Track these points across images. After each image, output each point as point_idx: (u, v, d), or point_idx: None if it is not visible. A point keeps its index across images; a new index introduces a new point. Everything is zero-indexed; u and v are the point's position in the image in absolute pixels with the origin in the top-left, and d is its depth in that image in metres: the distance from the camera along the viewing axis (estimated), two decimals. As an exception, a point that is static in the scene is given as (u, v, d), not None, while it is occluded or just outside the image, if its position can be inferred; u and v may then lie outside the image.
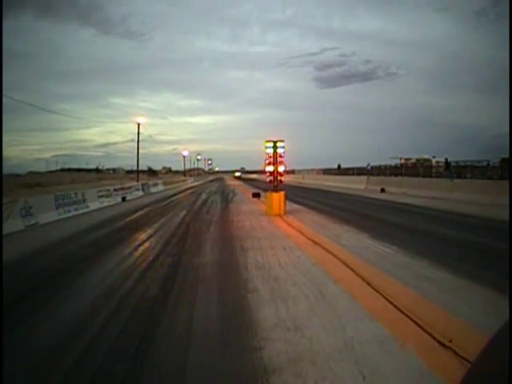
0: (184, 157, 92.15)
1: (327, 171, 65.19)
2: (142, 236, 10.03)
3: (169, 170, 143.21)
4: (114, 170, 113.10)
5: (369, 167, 63.92)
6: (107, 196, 20.67)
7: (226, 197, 25.03)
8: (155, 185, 35.62)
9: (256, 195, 20.91)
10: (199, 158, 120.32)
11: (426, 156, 63.06)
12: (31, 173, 65.37)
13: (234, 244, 8.60)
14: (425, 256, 7.27)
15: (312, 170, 68.84)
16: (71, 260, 7.64)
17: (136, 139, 43.06)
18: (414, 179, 29.20)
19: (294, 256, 7.37)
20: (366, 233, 9.94)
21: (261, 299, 5.01)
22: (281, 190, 14.11)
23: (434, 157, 59.45)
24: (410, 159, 64.19)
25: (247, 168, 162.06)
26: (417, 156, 65.81)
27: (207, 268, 6.57)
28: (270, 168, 14.20)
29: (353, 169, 58.87)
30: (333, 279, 5.87)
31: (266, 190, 27.33)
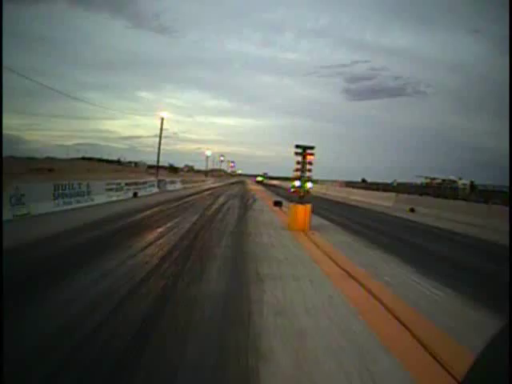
0: (207, 157, 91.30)
1: (350, 184, 63.70)
2: (140, 244, 8.34)
3: (191, 169, 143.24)
4: (135, 163, 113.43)
5: (395, 184, 61.81)
6: (117, 190, 19.15)
7: (245, 203, 23.24)
8: (172, 182, 34.12)
9: (277, 204, 19.18)
10: (222, 159, 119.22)
11: (451, 177, 60.37)
12: (48, 158, 65.00)
13: (248, 268, 6.79)
14: (498, 310, 5.37)
15: (335, 182, 67.30)
16: (38, 270, 6.00)
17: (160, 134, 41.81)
18: (445, 201, 27.19)
19: (324, 295, 5.54)
20: (408, 264, 8.12)
21: (278, 376, 3.24)
22: (307, 202, 12.28)
23: (460, 178, 56.79)
24: (435, 179, 61.92)
25: (270, 173, 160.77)
26: (443, 176, 63.21)
27: (207, 305, 4.78)
28: (297, 176, 12.40)
29: (377, 184, 57.14)
30: (383, 344, 4.05)
31: (288, 199, 25.60)
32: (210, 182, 62.90)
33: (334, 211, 21.08)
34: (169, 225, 11.45)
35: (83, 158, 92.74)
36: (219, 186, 52.68)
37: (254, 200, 26.23)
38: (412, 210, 24.66)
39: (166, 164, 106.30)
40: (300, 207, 11.99)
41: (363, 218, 18.89)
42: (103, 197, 17.08)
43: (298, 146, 12.29)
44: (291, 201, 13.11)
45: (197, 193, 30.99)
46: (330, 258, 8.15)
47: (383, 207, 26.91)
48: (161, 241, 8.82)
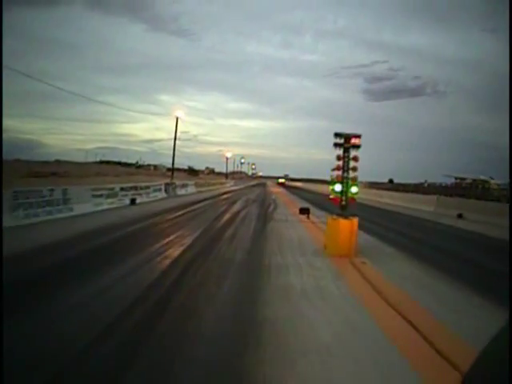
0: (227, 158, 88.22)
1: (374, 185, 60.25)
2: (76, 297, 4.84)
3: (212, 171, 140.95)
4: (155, 166, 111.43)
5: (425, 184, 57.45)
6: (108, 196, 15.72)
7: (266, 210, 19.53)
8: (184, 186, 30.55)
9: (304, 211, 15.50)
10: (242, 161, 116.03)
11: (482, 177, 55.63)
12: (57, 161, 62.67)
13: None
14: None
15: (360, 183, 64.33)
16: None
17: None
18: (494, 205, 23.18)
19: None
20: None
21: None
22: (352, 215, 8.59)
23: (492, 178, 51.91)
24: (465, 179, 57.44)
25: (291, 175, 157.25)
26: (472, 176, 58.54)
27: None
28: (338, 177, 8.73)
29: (404, 185, 54.14)
30: None
31: (314, 204, 21.90)
32: (228, 185, 59.56)
33: (374, 220, 17.22)
34: (151, 249, 7.92)
35: (100, 162, 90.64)
36: (238, 189, 49.06)
37: (276, 206, 22.53)
38: (460, 216, 20.65)
39: (186, 167, 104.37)
40: (343, 223, 8.23)
41: (413, 229, 15.06)
42: (88, 205, 13.68)
43: (337, 135, 8.61)
44: (322, 208, 9.50)
45: (210, 198, 27.37)
46: (413, 327, 4.45)
47: (425, 212, 22.91)
48: (114, 290, 5.23)
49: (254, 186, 72.17)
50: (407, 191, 44.19)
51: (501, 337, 0.75)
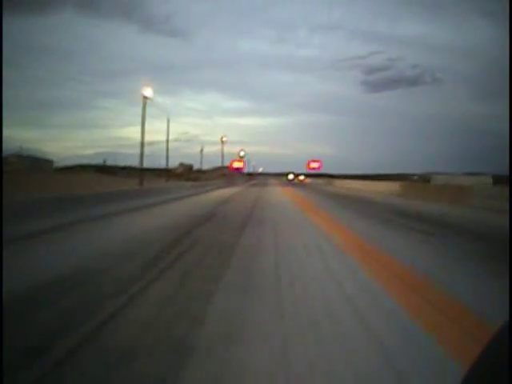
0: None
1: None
2: None
3: (189, 169, 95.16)
4: (81, 166, 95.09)
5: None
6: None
7: None
8: None
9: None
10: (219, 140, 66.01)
11: None
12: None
13: None
14: None
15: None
16: None
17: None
18: None
19: None
20: None
21: None
22: None
23: None
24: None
25: (294, 171, 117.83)
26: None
27: None
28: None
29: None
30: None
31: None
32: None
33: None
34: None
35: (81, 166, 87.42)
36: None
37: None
38: None
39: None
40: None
41: None
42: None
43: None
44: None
45: None
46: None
47: None
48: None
49: (238, 196, 25.41)
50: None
51: (501, 337, 0.73)
